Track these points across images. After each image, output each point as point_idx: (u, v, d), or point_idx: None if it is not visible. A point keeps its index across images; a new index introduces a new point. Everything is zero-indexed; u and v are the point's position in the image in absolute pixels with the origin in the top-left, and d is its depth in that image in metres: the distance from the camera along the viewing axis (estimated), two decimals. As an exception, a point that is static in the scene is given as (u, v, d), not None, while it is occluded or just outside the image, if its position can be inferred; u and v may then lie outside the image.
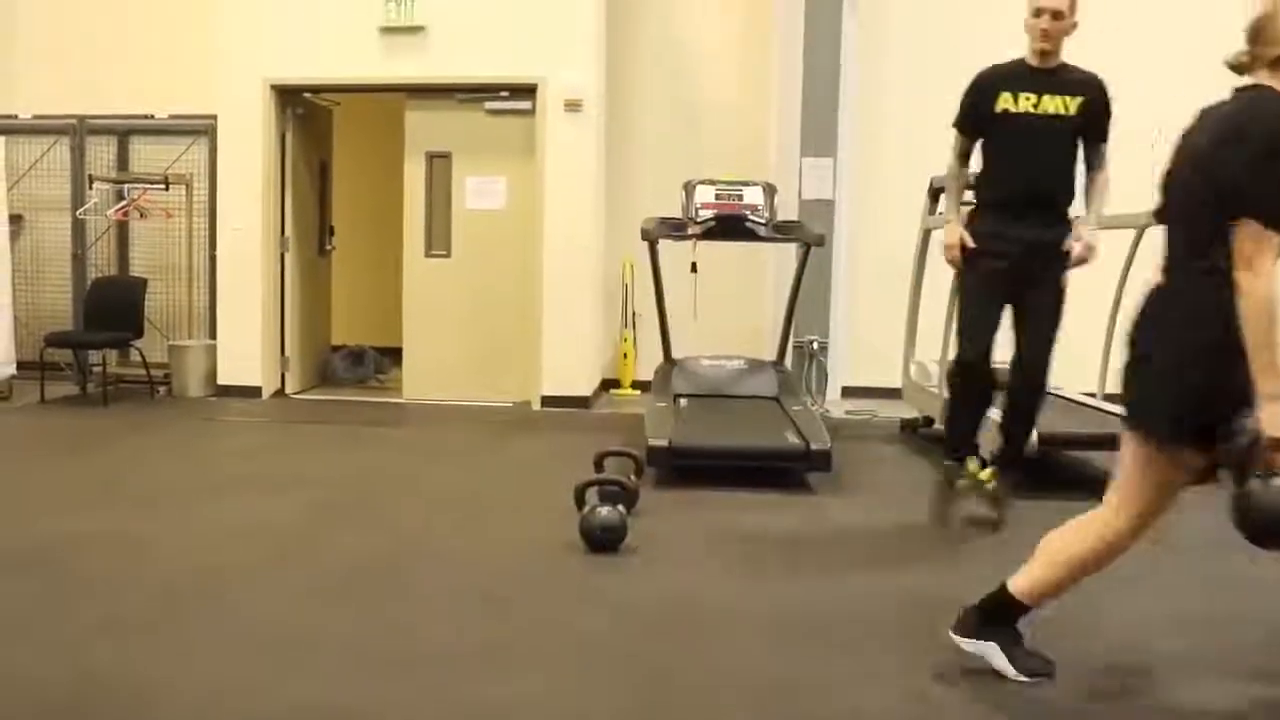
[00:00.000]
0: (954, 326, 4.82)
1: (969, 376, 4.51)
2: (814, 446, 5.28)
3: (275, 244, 8.01)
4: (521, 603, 3.59)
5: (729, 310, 7.99)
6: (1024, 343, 4.52)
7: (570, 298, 7.67)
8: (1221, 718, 2.83)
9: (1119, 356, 7.01)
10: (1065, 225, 4.44)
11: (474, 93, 7.77)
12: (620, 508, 4.23)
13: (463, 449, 6.32)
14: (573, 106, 7.57)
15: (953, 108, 4.59)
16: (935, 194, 6.29)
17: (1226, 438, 2.49)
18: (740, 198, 6.61)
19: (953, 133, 4.63)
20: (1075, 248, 4.36)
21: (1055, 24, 4.31)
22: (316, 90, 8.29)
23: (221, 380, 7.96)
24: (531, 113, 7.68)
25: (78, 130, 8.52)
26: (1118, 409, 5.90)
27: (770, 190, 6.70)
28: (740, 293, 8.23)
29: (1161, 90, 7.94)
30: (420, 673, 2.97)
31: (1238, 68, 2.62)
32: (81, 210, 8.41)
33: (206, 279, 8.28)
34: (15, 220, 8.23)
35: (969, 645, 2.95)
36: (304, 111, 8.26)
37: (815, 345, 7.71)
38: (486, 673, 2.99)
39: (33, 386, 7.67)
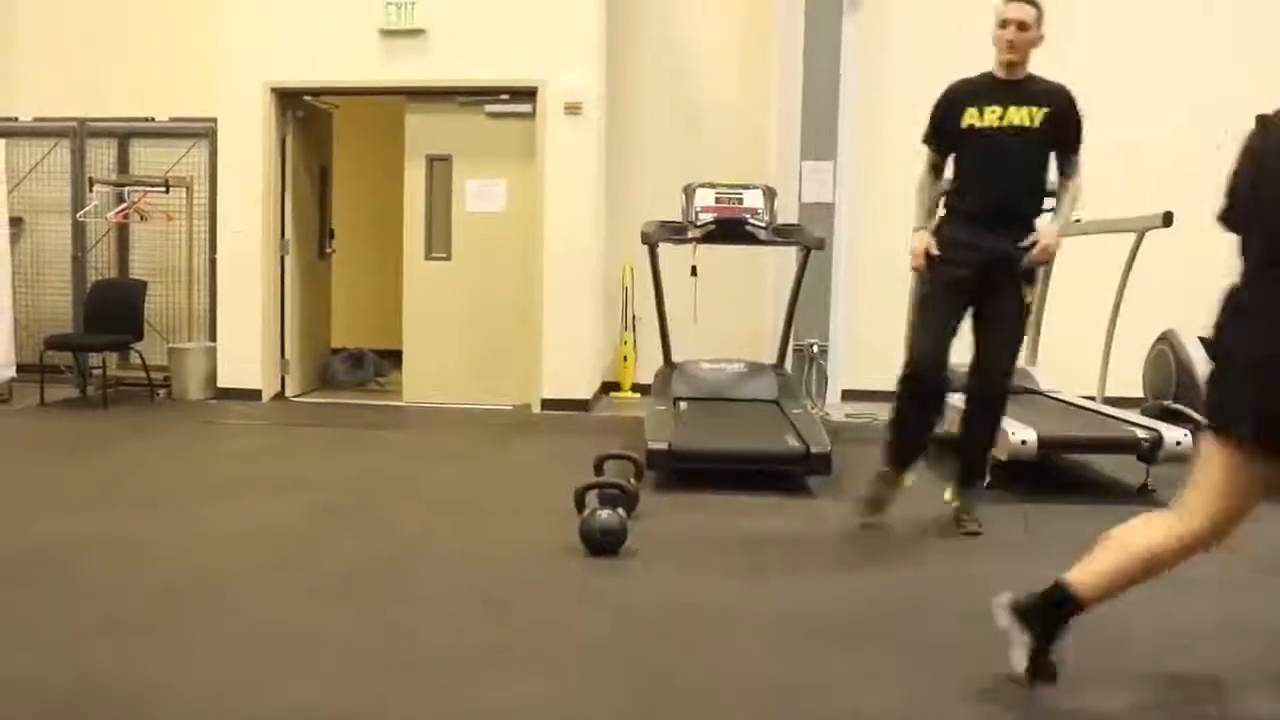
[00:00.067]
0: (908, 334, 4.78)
1: (920, 384, 4.46)
2: (814, 450, 5.28)
3: (275, 247, 8.02)
4: (521, 605, 3.59)
5: (729, 313, 7.99)
6: (983, 352, 4.51)
7: (570, 301, 7.67)
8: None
9: (1118, 359, 7.06)
10: (1028, 235, 4.41)
11: (474, 96, 7.78)
12: (620, 511, 4.22)
13: (463, 452, 6.32)
14: (573, 109, 7.57)
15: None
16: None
17: None
18: (740, 201, 6.62)
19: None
20: (1036, 243, 4.36)
21: (1020, 35, 4.33)
22: (317, 93, 8.30)
23: (221, 383, 7.97)
24: (532, 115, 7.69)
25: (78, 133, 8.53)
26: (1117, 412, 5.94)
27: (770, 193, 6.70)
28: (740, 296, 8.24)
29: (1146, 100, 8.02)
30: (420, 675, 2.97)
31: None
32: (82, 213, 8.41)
33: (206, 282, 8.29)
34: (15, 223, 8.24)
35: (1006, 621, 2.88)
36: (304, 114, 8.27)
37: (815, 348, 7.71)
38: (486, 675, 2.98)
39: (33, 389, 7.67)
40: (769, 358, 7.05)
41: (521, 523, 4.64)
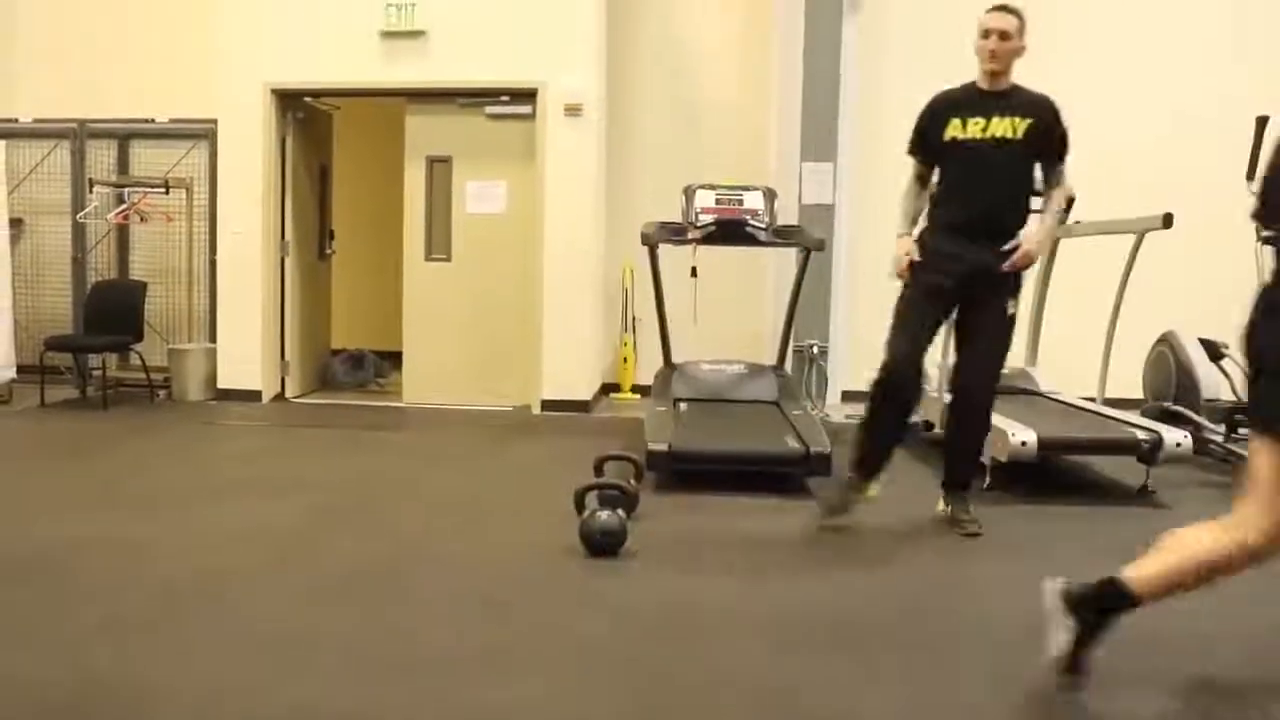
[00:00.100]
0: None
1: (894, 385, 4.47)
2: (814, 451, 5.28)
3: (275, 248, 8.02)
4: (521, 607, 3.59)
5: (729, 315, 8.00)
6: (966, 363, 4.53)
7: (570, 302, 7.67)
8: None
9: (1118, 361, 7.06)
10: (1014, 251, 4.41)
11: (474, 97, 7.79)
12: (620, 512, 4.22)
13: (463, 453, 6.32)
14: (573, 111, 7.58)
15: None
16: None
17: None
18: (740, 202, 6.62)
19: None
20: (1023, 243, 4.35)
21: (1002, 45, 4.34)
22: (317, 94, 8.30)
23: (221, 384, 7.97)
24: (532, 117, 7.70)
25: (78, 134, 8.54)
26: (1117, 413, 5.94)
27: (770, 195, 6.70)
28: (740, 297, 8.24)
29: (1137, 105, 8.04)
30: (420, 676, 2.97)
31: None
32: (82, 214, 8.42)
33: (206, 283, 8.29)
34: (15, 224, 8.24)
35: (1054, 604, 2.85)
36: (304, 115, 8.27)
37: (815, 350, 7.71)
38: (486, 676, 2.98)
39: (33, 390, 7.67)
40: (769, 359, 7.06)
41: (521, 524, 4.64)
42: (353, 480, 5.53)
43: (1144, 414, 6.14)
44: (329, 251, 8.94)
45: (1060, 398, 6.41)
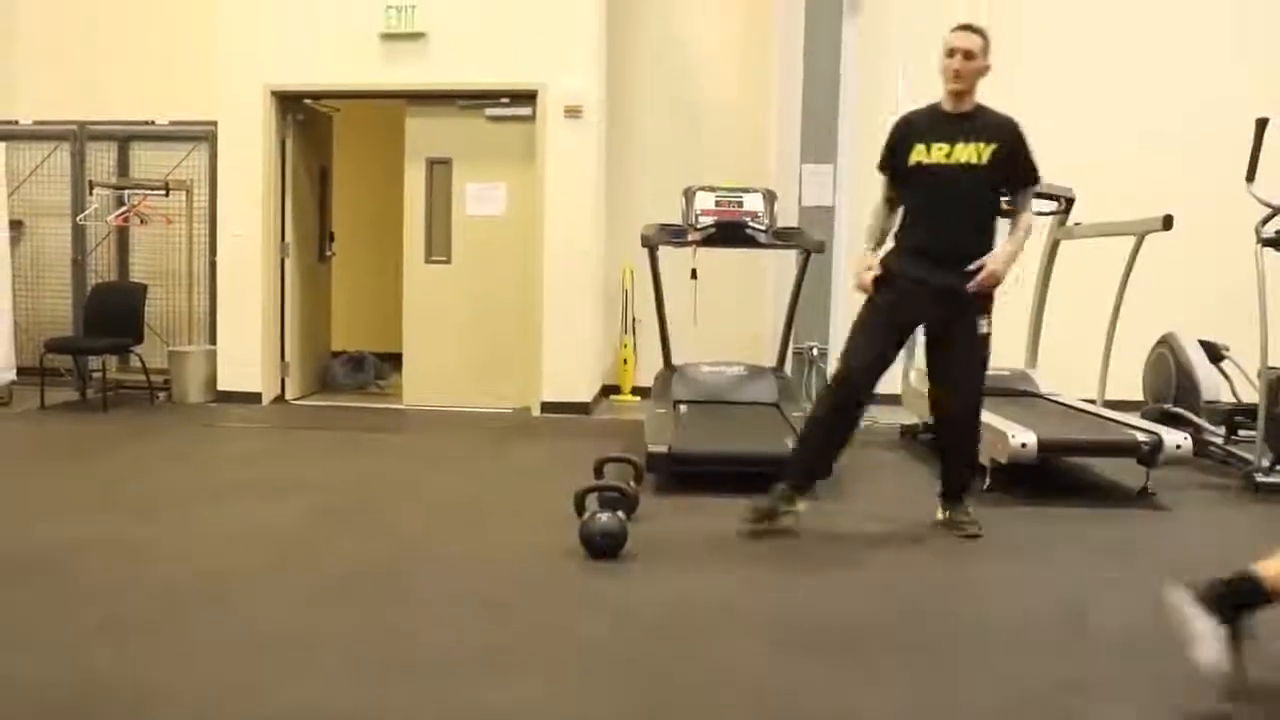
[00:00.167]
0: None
1: (847, 395, 4.46)
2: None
3: (275, 250, 8.02)
4: (521, 608, 3.59)
5: (729, 316, 8.00)
6: (946, 387, 4.53)
7: (570, 303, 7.67)
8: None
9: (1119, 362, 7.06)
10: (977, 270, 4.38)
11: (474, 99, 7.79)
12: (620, 514, 4.22)
13: (462, 455, 6.32)
14: (573, 113, 7.58)
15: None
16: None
17: None
18: (740, 204, 6.63)
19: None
20: (987, 263, 4.32)
21: (967, 64, 4.32)
22: (317, 96, 8.31)
23: (221, 386, 7.97)
24: (532, 119, 7.70)
25: (78, 136, 8.54)
26: (1117, 415, 5.94)
27: (770, 197, 6.71)
28: (740, 299, 8.25)
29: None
30: (420, 677, 2.97)
31: None
32: (82, 216, 8.42)
33: (206, 285, 8.29)
34: (15, 226, 8.25)
35: (1187, 612, 2.74)
36: (304, 117, 8.28)
37: (815, 351, 7.71)
38: (486, 678, 2.98)
39: (33, 392, 7.67)
40: (769, 361, 7.06)
41: (521, 525, 4.64)
42: (353, 482, 5.53)
43: (1144, 416, 6.15)
44: (329, 253, 8.95)
45: (1060, 399, 6.41)
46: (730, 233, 6.60)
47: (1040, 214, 6.62)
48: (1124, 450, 5.26)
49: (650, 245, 6.58)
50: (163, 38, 8.57)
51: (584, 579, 3.92)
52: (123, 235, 8.64)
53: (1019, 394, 6.45)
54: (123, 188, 8.38)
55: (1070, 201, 6.61)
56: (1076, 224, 6.67)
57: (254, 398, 7.89)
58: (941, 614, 3.62)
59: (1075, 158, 7.13)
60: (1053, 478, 5.58)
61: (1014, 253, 4.42)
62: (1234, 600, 2.71)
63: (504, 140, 7.83)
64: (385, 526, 4.64)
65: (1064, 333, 6.94)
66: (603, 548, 4.07)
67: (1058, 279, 6.90)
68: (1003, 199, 4.59)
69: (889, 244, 4.62)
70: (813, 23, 7.75)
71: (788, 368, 7.10)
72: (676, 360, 6.82)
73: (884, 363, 4.48)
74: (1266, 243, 5.47)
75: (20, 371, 7.82)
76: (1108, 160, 7.56)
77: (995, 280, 4.36)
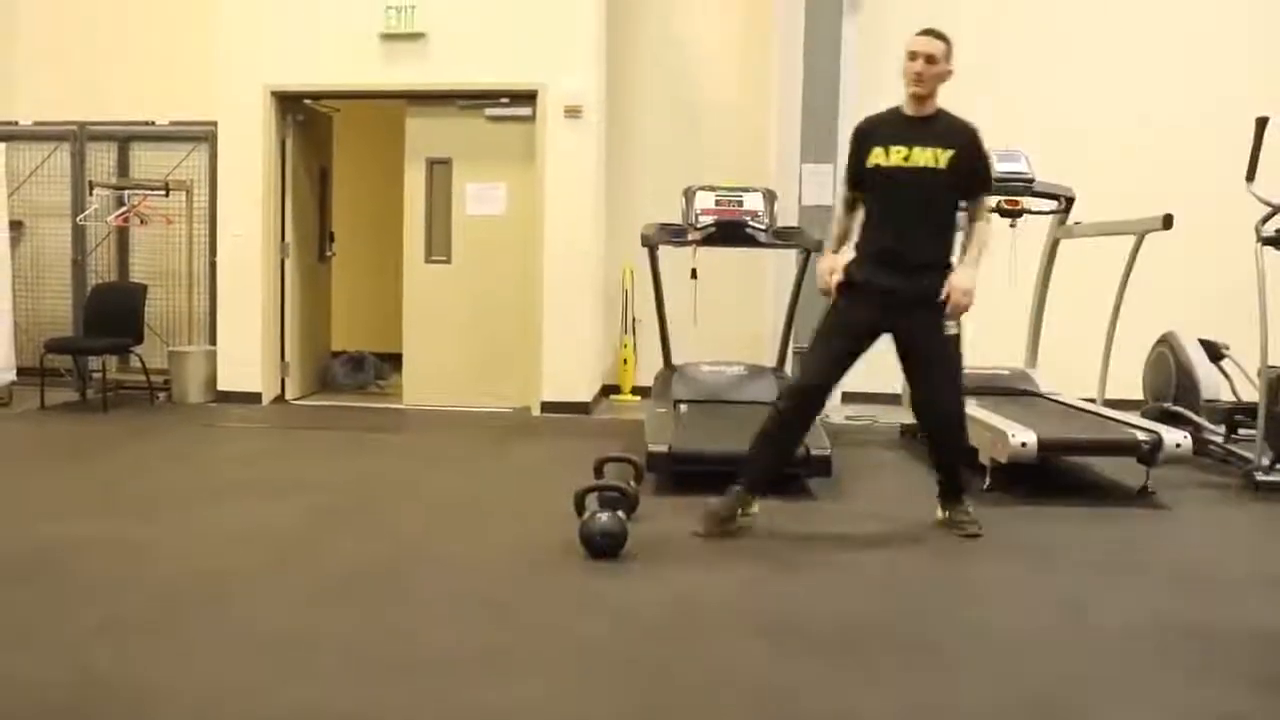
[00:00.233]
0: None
1: (802, 402, 4.50)
2: (814, 452, 5.26)
3: (275, 250, 8.02)
4: (522, 608, 3.59)
5: (729, 316, 7.99)
6: (926, 395, 4.56)
7: (570, 303, 7.67)
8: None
9: (1118, 362, 7.05)
10: (938, 276, 4.38)
11: (474, 99, 7.79)
12: (620, 513, 4.22)
13: (463, 454, 6.32)
14: (573, 113, 7.58)
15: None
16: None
17: None
18: (740, 204, 6.62)
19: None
20: (951, 295, 4.32)
21: (928, 68, 4.31)
22: (317, 96, 8.31)
23: (221, 386, 7.97)
24: (532, 119, 7.70)
25: (78, 136, 8.54)
26: (1117, 414, 5.94)
27: (770, 196, 6.70)
28: (740, 299, 8.24)
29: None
30: (420, 677, 2.97)
31: None
32: (82, 216, 8.42)
33: (206, 285, 8.29)
34: (16, 226, 8.25)
35: None
36: (304, 118, 8.28)
37: (815, 351, 7.69)
38: (486, 678, 2.98)
39: (33, 392, 7.67)
40: (769, 360, 7.06)
41: (522, 525, 4.64)
42: (353, 482, 5.53)
43: (1144, 415, 6.14)
44: (329, 253, 8.95)
45: (1060, 399, 6.41)
46: (730, 232, 6.59)
47: (1040, 214, 6.64)
48: (1124, 449, 5.26)
49: (650, 245, 6.58)
50: (163, 38, 8.57)
51: (584, 579, 3.92)
52: (123, 235, 8.64)
53: (1019, 393, 6.45)
54: (123, 188, 8.38)
55: (1070, 201, 6.61)
56: (1076, 223, 6.66)
57: (254, 398, 7.89)
58: (941, 614, 3.62)
59: (1075, 158, 7.15)
60: (1053, 477, 5.58)
61: (973, 275, 4.39)
62: None
63: (504, 140, 7.83)
64: (385, 526, 4.64)
65: (1064, 332, 6.94)
66: (603, 547, 4.07)
67: (1058, 278, 6.90)
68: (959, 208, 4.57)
69: (851, 249, 4.60)
70: (812, 22, 7.75)
71: (788, 368, 7.09)
72: (676, 360, 6.82)
73: (842, 371, 4.52)
74: (1266, 242, 5.47)
75: (20, 372, 7.82)
76: (1108, 160, 7.57)
77: (965, 307, 4.36)
